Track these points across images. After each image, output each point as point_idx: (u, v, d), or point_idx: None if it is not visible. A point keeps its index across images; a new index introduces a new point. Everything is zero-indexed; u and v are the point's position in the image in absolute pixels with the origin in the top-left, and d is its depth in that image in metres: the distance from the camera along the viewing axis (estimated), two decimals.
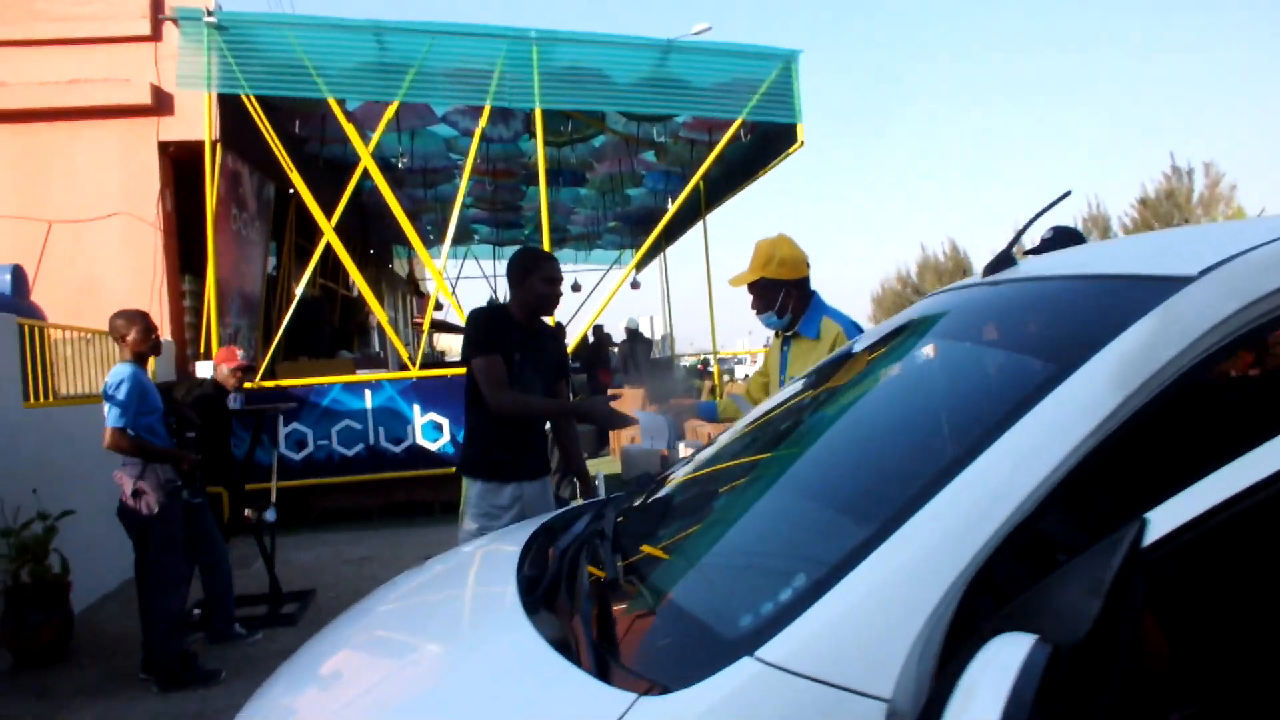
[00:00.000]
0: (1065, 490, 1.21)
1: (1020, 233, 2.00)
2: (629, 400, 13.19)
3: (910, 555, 1.20)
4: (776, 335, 3.66)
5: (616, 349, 14.38)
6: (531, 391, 3.68)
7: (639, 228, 18.60)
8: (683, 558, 1.66)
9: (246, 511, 5.70)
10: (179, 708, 4.30)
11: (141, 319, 4.73)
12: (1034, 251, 4.89)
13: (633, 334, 13.52)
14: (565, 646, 1.42)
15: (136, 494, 4.55)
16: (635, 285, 19.97)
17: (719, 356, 17.03)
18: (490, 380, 3.52)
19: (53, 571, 5.12)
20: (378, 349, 17.34)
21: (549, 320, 3.93)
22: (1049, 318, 1.74)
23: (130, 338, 4.66)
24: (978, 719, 0.96)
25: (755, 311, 3.54)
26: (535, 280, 3.67)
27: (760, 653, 1.16)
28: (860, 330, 3.41)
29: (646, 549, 1.68)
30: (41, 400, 6.03)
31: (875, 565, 1.21)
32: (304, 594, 6.13)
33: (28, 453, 5.56)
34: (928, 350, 2.04)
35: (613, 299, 9.90)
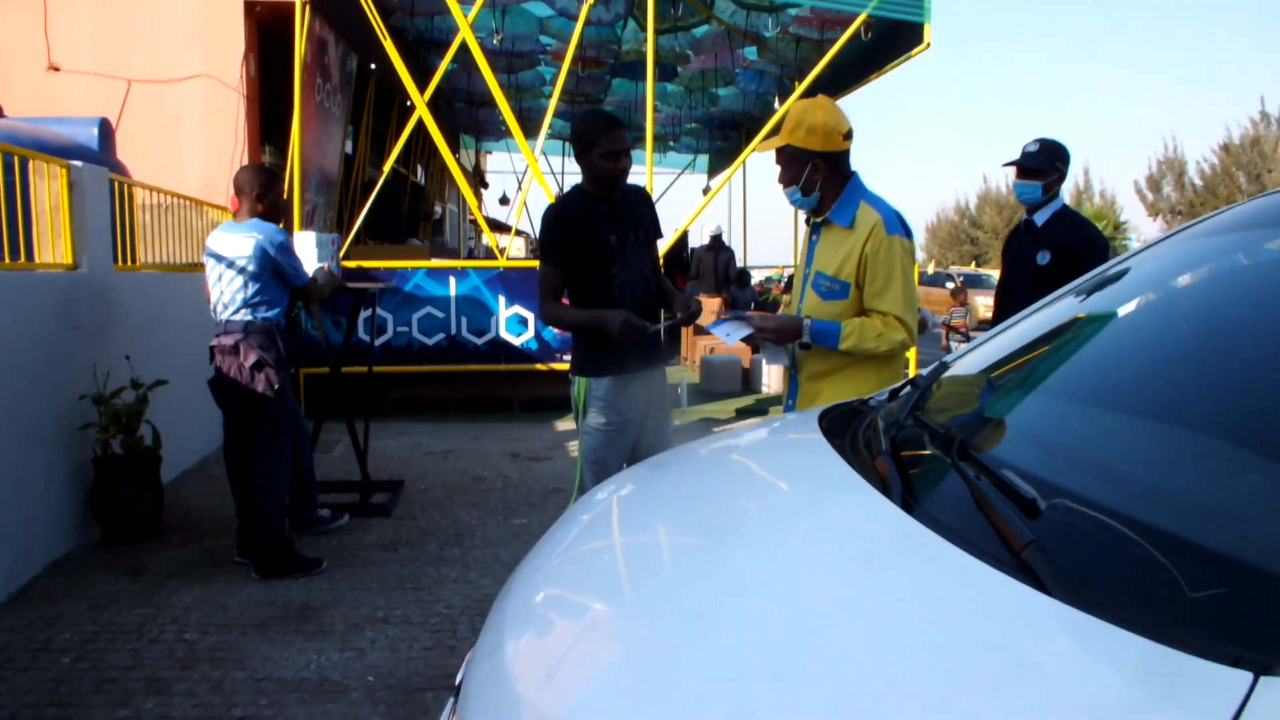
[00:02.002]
0: None
1: None
2: (706, 308, 12.79)
3: None
4: (807, 223, 3.15)
5: (691, 255, 13.85)
6: (639, 265, 3.39)
7: (718, 132, 17.83)
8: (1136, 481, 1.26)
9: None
10: (283, 596, 4.03)
11: (275, 178, 4.46)
12: (1017, 163, 4.32)
13: (716, 241, 12.97)
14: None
15: (258, 366, 4.19)
16: (706, 190, 19.35)
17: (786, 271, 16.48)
18: (541, 291, 3.40)
19: (145, 444, 4.86)
20: (446, 238, 16.93)
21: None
22: None
23: (270, 196, 4.35)
24: None
25: (781, 185, 3.05)
26: (596, 157, 3.28)
27: None
28: (905, 226, 2.92)
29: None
30: (129, 264, 5.72)
31: None
32: (394, 484, 5.88)
33: (117, 318, 5.25)
34: None
35: (686, 207, 9.31)
